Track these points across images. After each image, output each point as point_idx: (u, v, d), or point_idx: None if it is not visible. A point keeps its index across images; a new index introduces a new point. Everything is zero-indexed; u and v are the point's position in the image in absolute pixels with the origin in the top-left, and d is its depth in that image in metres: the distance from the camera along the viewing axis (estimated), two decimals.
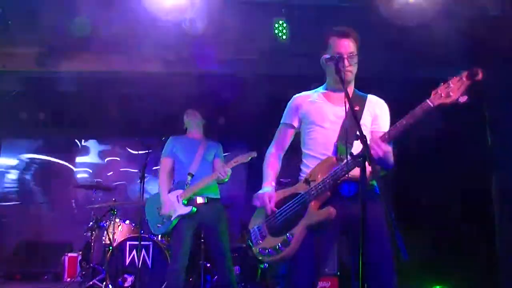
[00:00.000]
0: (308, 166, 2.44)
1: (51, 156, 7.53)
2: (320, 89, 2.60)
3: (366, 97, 2.53)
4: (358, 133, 1.95)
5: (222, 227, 4.10)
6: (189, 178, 4.03)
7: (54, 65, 5.03)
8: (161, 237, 5.07)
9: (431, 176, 5.59)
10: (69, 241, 6.51)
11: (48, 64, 5.04)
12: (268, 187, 2.47)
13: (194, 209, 3.96)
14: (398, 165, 2.32)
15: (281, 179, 4.90)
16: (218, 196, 4.19)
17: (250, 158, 3.99)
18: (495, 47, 5.01)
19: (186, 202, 3.98)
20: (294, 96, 2.64)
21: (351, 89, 2.51)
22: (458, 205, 5.33)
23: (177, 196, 4.00)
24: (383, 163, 2.13)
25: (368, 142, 2.04)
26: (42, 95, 6.42)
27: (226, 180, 4.06)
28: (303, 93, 2.63)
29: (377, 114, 2.47)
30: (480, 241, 5.16)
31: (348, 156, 2.17)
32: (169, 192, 4.10)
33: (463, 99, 1.96)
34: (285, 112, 2.64)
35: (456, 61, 4.92)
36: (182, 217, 3.95)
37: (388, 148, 2.10)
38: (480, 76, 1.92)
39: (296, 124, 2.58)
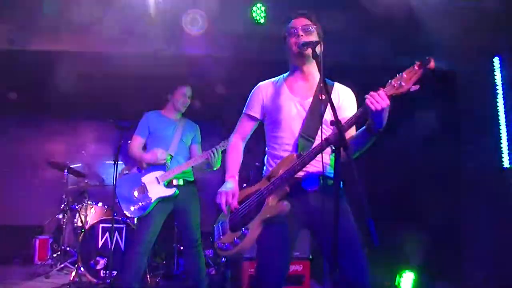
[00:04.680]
0: (270, 163, 2.44)
1: (21, 136, 7.35)
2: (285, 77, 2.53)
3: (333, 85, 2.49)
4: (328, 117, 1.96)
5: (194, 210, 4.08)
6: (168, 159, 3.98)
7: (26, 44, 4.87)
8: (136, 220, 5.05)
9: (401, 165, 5.69)
10: (40, 223, 6.41)
11: (19, 43, 4.88)
12: (230, 181, 2.42)
13: (177, 191, 3.91)
14: (368, 153, 2.34)
15: (256, 163, 4.95)
16: (193, 179, 4.17)
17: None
18: (472, 40, 5.10)
19: (166, 184, 3.93)
20: (258, 85, 2.58)
21: (313, 67, 2.41)
22: (427, 192, 5.44)
23: (157, 177, 3.94)
24: (378, 119, 2.04)
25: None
26: (13, 74, 6.23)
27: (219, 165, 4.01)
28: (267, 82, 2.56)
29: (342, 105, 2.43)
30: (448, 228, 5.30)
31: (315, 144, 2.18)
32: (142, 171, 4.05)
33: (415, 88, 1.98)
34: (248, 101, 2.58)
35: (435, 52, 4.99)
36: (160, 200, 3.90)
37: (389, 102, 2.02)
38: (431, 64, 1.94)
39: (259, 116, 2.53)
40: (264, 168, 2.51)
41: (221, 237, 2.43)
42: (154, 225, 3.89)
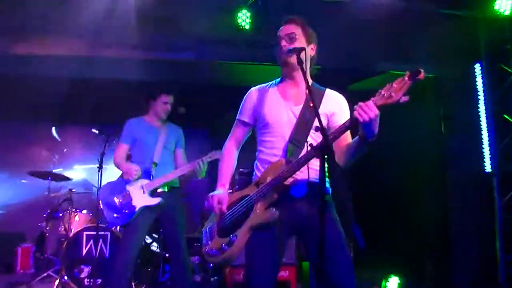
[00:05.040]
0: (259, 168, 2.45)
1: (3, 142, 7.24)
2: (277, 83, 2.55)
3: (324, 91, 2.49)
4: (318, 124, 1.97)
5: (179, 217, 4.04)
6: (153, 167, 3.95)
7: (8, 48, 4.82)
8: (120, 227, 4.99)
9: (386, 169, 5.74)
10: (21, 231, 6.30)
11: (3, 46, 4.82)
12: (220, 189, 2.44)
13: (163, 201, 3.88)
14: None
15: (240, 169, 4.95)
16: (178, 185, 4.14)
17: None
18: (453, 47, 5.20)
19: (151, 193, 3.90)
20: (250, 90, 2.59)
21: (300, 75, 2.39)
22: (412, 197, 5.50)
23: (142, 186, 3.89)
24: (369, 128, 2.06)
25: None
26: None
27: (204, 175, 3.99)
28: (259, 87, 2.58)
29: (334, 111, 2.43)
30: (434, 232, 5.36)
31: (304, 150, 2.20)
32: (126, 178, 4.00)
33: (404, 99, 2.00)
34: (241, 107, 2.58)
35: (417, 58, 5.08)
36: (144, 209, 3.86)
37: (378, 112, 2.03)
38: (421, 76, 1.96)
39: (251, 121, 2.53)
40: (254, 173, 2.51)
41: (209, 242, 2.42)
42: (138, 232, 3.86)
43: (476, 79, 5.41)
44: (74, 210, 5.34)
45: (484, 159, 5.28)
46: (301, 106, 2.40)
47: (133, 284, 4.75)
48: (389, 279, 4.97)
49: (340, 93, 2.55)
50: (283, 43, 2.39)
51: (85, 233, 4.88)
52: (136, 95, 4.40)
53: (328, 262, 2.11)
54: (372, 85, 5.76)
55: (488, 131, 5.31)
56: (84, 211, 5.38)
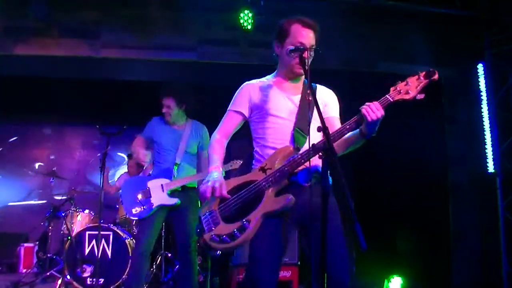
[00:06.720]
0: (262, 155, 2.42)
1: (6, 142, 7.26)
2: (271, 77, 2.55)
3: (316, 87, 2.52)
4: (321, 125, 1.98)
5: (191, 217, 4.03)
6: (175, 168, 3.98)
7: (10, 49, 4.83)
8: (134, 225, 5.19)
9: (389, 170, 5.73)
10: (24, 231, 6.31)
11: (4, 47, 4.83)
12: (215, 172, 2.38)
13: (179, 202, 3.91)
14: (357, 158, 2.37)
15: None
16: (195, 185, 4.12)
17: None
18: (456, 47, 5.19)
19: (170, 192, 3.93)
20: (245, 83, 2.57)
21: (301, 80, 2.49)
22: (414, 197, 5.49)
23: (162, 185, 3.93)
24: (372, 127, 2.15)
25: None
26: None
27: None
28: (254, 81, 2.57)
29: (326, 103, 2.49)
30: (435, 232, 5.35)
31: (306, 146, 2.20)
32: (149, 176, 4.07)
33: (421, 96, 2.07)
34: (234, 98, 2.56)
35: (419, 58, 5.08)
36: (161, 207, 3.91)
37: (383, 113, 2.12)
38: (436, 76, 2.04)
39: (246, 112, 2.51)
40: (254, 160, 2.48)
41: (213, 228, 2.32)
42: (152, 228, 3.92)
43: (479, 79, 5.40)
44: (76, 209, 5.35)
45: (487, 160, 5.27)
46: (299, 96, 2.43)
47: None
48: (391, 280, 4.96)
49: (341, 93, 2.59)
50: (306, 54, 2.32)
51: (87, 232, 4.90)
52: (141, 95, 4.41)
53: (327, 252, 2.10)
54: (373, 86, 5.75)
55: (491, 131, 5.30)
56: (87, 211, 5.39)
